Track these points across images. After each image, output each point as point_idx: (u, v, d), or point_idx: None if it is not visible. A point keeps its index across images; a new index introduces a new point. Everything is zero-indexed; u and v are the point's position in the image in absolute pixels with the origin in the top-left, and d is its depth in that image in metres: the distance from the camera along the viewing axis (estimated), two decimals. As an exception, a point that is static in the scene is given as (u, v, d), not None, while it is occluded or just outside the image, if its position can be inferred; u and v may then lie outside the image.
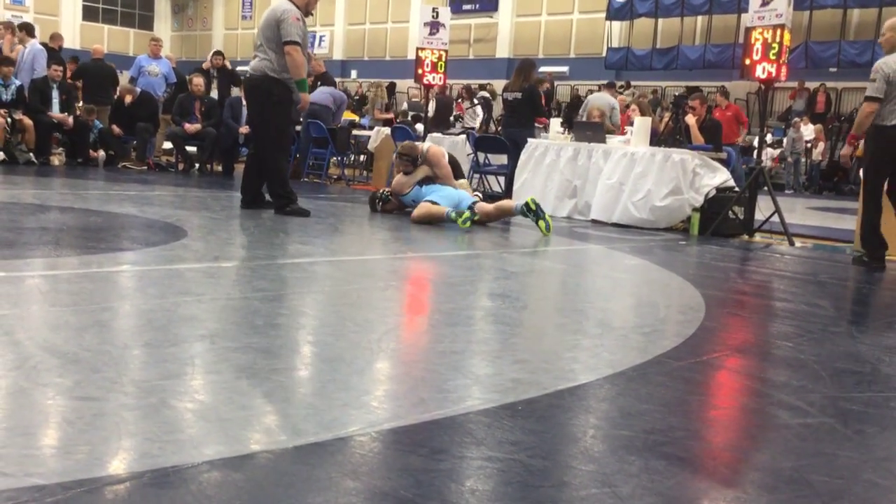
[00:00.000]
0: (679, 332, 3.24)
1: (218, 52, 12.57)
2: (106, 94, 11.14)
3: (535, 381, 2.38)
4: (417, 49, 9.97)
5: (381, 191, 7.18)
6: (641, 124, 7.77)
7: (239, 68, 12.97)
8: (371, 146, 11.14)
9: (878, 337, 3.54)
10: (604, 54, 21.76)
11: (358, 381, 2.30)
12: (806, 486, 1.76)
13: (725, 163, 7.57)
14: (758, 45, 6.84)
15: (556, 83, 20.33)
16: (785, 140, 17.27)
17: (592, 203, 7.68)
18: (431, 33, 9.82)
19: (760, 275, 5.32)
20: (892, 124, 5.60)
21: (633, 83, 19.90)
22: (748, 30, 7.03)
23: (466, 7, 24.70)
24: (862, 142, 6.08)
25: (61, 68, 10.44)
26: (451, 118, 12.67)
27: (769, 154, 16.30)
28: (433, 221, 6.24)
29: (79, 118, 10.27)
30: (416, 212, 6.33)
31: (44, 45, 10.98)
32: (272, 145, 6.43)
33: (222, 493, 1.52)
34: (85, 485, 1.50)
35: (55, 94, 10.07)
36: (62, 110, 10.08)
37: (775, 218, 6.94)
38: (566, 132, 8.69)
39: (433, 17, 9.87)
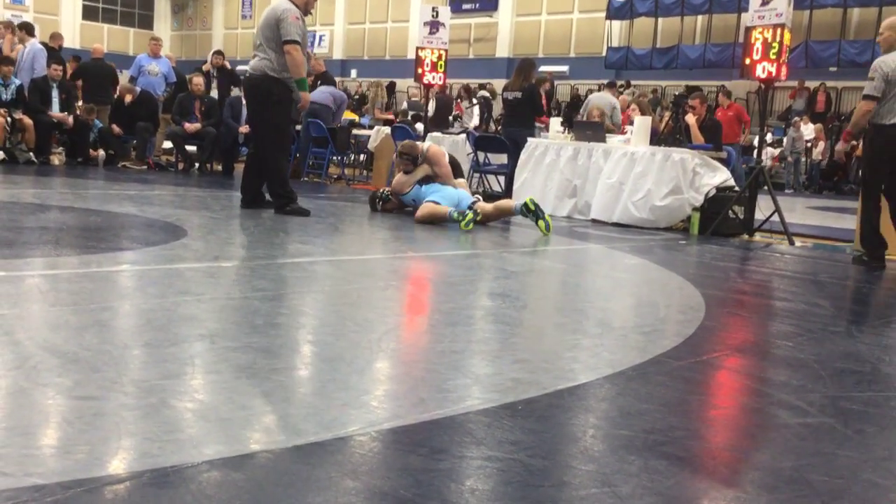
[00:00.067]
0: (679, 331, 3.24)
1: (218, 52, 12.57)
2: (106, 93, 11.14)
3: (535, 381, 2.38)
4: (417, 48, 9.97)
5: (381, 190, 7.18)
6: (641, 124, 7.77)
7: (239, 68, 12.97)
8: (371, 146, 11.14)
9: (877, 336, 3.54)
10: (604, 54, 21.76)
11: (358, 381, 2.30)
12: (806, 486, 1.76)
13: (725, 162, 7.57)
14: (758, 45, 6.84)
15: (555, 83, 20.31)
16: (785, 139, 17.28)
17: (592, 203, 7.68)
18: (431, 33, 9.81)
19: (760, 274, 5.32)
20: (891, 123, 5.60)
21: (633, 83, 19.89)
22: (748, 29, 7.03)
23: (466, 6, 24.69)
24: (861, 141, 6.08)
25: (61, 68, 10.44)
26: (451, 118, 12.68)
27: (769, 153, 16.30)
28: (436, 221, 6.25)
29: (79, 118, 10.27)
30: (419, 212, 6.33)
31: (44, 44, 10.98)
32: (272, 145, 6.43)
33: (222, 492, 1.52)
34: (85, 485, 1.50)
35: (55, 93, 10.07)
36: (62, 110, 10.09)
37: (775, 217, 6.94)
38: (566, 132, 8.69)
39: (433, 16, 9.86)
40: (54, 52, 11.01)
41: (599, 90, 15.63)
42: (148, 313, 2.91)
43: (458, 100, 15.22)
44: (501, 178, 9.62)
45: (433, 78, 9.91)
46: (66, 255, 4.08)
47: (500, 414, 2.08)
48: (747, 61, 6.96)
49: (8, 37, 10.56)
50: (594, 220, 7.56)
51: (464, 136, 9.94)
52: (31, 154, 9.69)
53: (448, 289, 3.94)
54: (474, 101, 14.45)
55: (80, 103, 10.74)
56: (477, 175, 9.74)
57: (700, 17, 20.72)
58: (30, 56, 10.32)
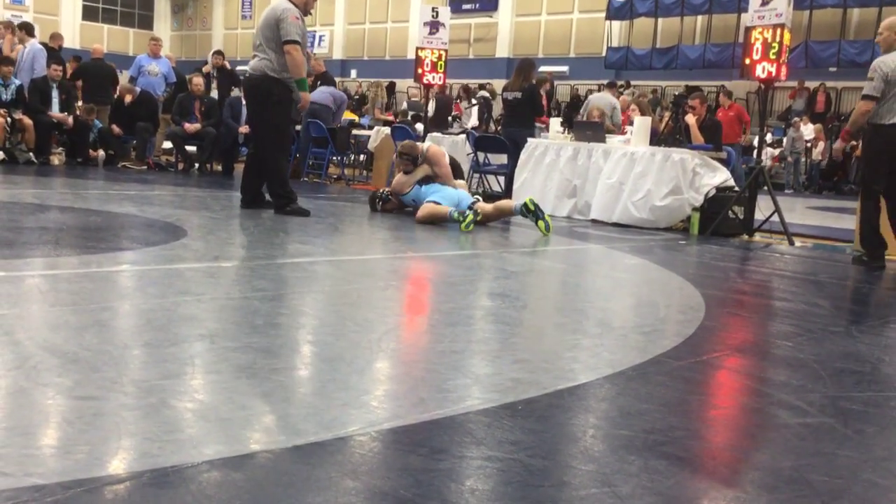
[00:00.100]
0: (679, 331, 3.24)
1: (218, 52, 12.58)
2: (106, 93, 11.14)
3: (535, 381, 2.38)
4: (417, 49, 9.97)
5: (381, 190, 7.18)
6: (641, 124, 7.77)
7: (239, 68, 12.97)
8: (371, 146, 11.14)
9: (877, 336, 3.54)
10: (604, 54, 21.75)
11: (358, 381, 2.30)
12: (806, 486, 1.76)
13: (725, 162, 7.57)
14: (758, 45, 6.84)
15: (555, 83, 20.32)
16: (785, 140, 17.28)
17: (592, 203, 7.68)
18: (431, 33, 9.82)
19: (760, 274, 5.32)
20: (890, 123, 5.60)
21: (632, 83, 19.89)
22: (748, 29, 7.03)
23: (466, 7, 24.68)
24: (861, 141, 6.09)
25: (61, 68, 10.44)
26: (449, 118, 12.68)
27: (769, 153, 16.30)
28: (436, 221, 6.25)
29: (79, 118, 10.27)
30: (420, 212, 6.34)
31: (43, 44, 10.98)
32: (272, 145, 6.43)
33: (222, 492, 1.52)
34: (85, 485, 1.50)
35: (55, 93, 10.07)
36: (62, 110, 10.09)
37: (775, 217, 6.94)
38: (566, 132, 8.69)
39: (433, 16, 9.87)
40: (54, 53, 11.01)
41: (599, 90, 15.63)
42: (148, 313, 2.91)
43: (458, 100, 15.22)
44: (501, 179, 9.62)
45: (433, 78, 9.92)
46: (66, 255, 4.08)
47: (500, 414, 2.08)
48: (747, 61, 6.97)
49: (8, 37, 10.56)
50: (594, 221, 7.56)
51: (464, 136, 9.94)
52: (31, 154, 9.69)
53: (448, 289, 3.94)
54: (473, 101, 14.44)
55: (79, 103, 10.74)
56: (477, 175, 9.75)
57: (700, 18, 20.71)
58: (30, 56, 10.32)
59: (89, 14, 31.03)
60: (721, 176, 7.21)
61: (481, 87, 17.42)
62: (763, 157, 9.91)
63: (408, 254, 5.16)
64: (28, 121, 9.70)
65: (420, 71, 9.84)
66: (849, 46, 17.96)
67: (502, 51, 24.27)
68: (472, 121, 11.94)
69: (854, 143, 14.69)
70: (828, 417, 2.26)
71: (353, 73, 27.22)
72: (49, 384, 2.05)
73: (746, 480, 1.79)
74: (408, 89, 17.84)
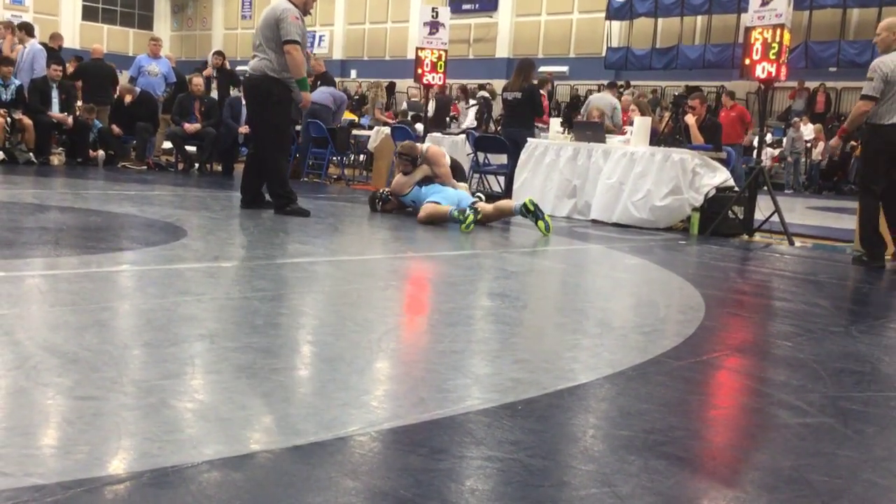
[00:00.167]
0: (679, 331, 3.24)
1: (218, 52, 12.58)
2: (106, 93, 11.14)
3: (535, 381, 2.39)
4: (417, 49, 9.97)
5: (380, 190, 7.18)
6: (641, 124, 7.77)
7: (238, 68, 12.97)
8: (371, 146, 11.14)
9: (877, 336, 3.54)
10: (603, 54, 21.75)
11: (358, 381, 2.30)
12: (806, 486, 1.76)
13: (725, 163, 7.57)
14: (757, 45, 6.84)
15: (555, 83, 20.32)
16: (784, 140, 17.27)
17: (592, 203, 7.68)
18: (431, 33, 9.82)
19: (760, 274, 5.32)
20: (890, 123, 5.60)
21: (632, 83, 19.88)
22: (748, 29, 7.03)
23: (466, 7, 24.68)
24: (860, 141, 6.09)
25: (61, 68, 10.43)
26: (447, 119, 12.68)
27: (769, 154, 16.30)
28: (437, 221, 6.25)
29: (79, 118, 10.27)
30: (421, 213, 6.34)
31: (43, 44, 10.98)
32: (272, 145, 6.43)
33: (222, 492, 1.52)
34: (85, 485, 1.50)
35: (55, 93, 10.07)
36: (62, 110, 10.08)
37: (775, 217, 6.95)
38: (566, 132, 8.69)
39: (433, 16, 9.87)
40: (54, 53, 11.01)
41: (599, 91, 15.63)
42: (148, 313, 2.91)
43: (456, 101, 15.20)
44: (501, 179, 9.63)
45: (433, 78, 9.92)
46: (66, 255, 4.08)
47: (500, 414, 2.08)
48: (747, 62, 6.97)
49: (9, 37, 10.56)
50: (594, 221, 7.56)
51: (463, 136, 9.94)
52: (31, 154, 9.69)
53: (448, 289, 3.94)
54: (472, 101, 14.42)
55: (79, 103, 10.74)
56: (477, 175, 9.74)
57: (700, 18, 20.71)
58: (29, 56, 10.32)
59: (89, 14, 31.03)
60: (721, 176, 7.21)
61: (481, 87, 17.41)
62: (763, 158, 9.91)
63: (408, 254, 5.16)
64: (28, 121, 9.70)
65: (420, 71, 9.84)
66: (848, 47, 17.96)
67: (502, 51, 24.27)
68: (469, 121, 11.91)
69: (854, 143, 14.69)
70: (828, 417, 2.26)
71: (353, 73, 27.22)
72: (49, 384, 2.05)
73: (746, 480, 1.79)
74: (408, 89, 17.84)
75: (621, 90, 15.69)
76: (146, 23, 32.75)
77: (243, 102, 9.75)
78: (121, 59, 17.78)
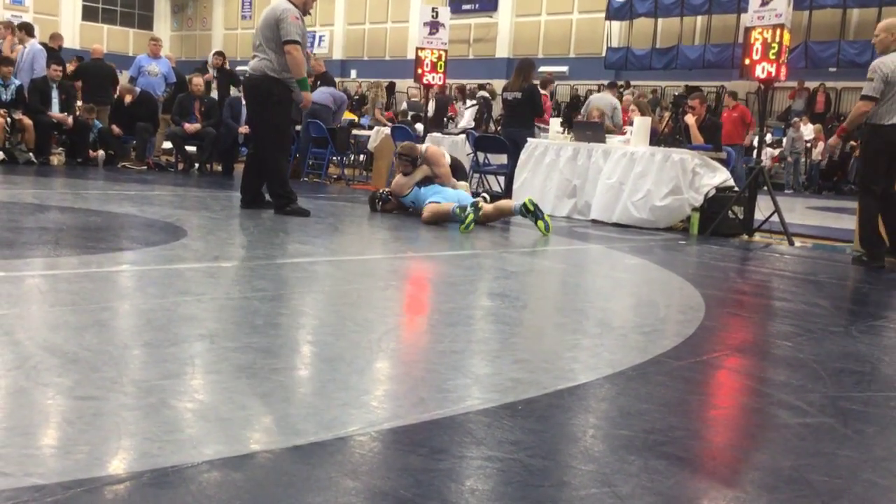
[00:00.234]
0: (679, 331, 3.24)
1: (219, 53, 12.57)
2: (106, 93, 11.14)
3: (535, 381, 2.39)
4: (417, 49, 9.97)
5: (380, 190, 7.18)
6: (641, 124, 7.77)
7: (238, 68, 12.97)
8: (371, 146, 11.14)
9: (877, 336, 3.54)
10: (603, 54, 21.75)
11: (358, 381, 2.30)
12: (806, 486, 1.76)
13: (724, 163, 7.57)
14: (757, 45, 6.84)
15: (556, 83, 20.31)
16: (784, 140, 17.27)
17: (592, 203, 7.68)
18: (431, 33, 9.82)
19: (760, 274, 5.32)
20: (890, 124, 5.61)
21: (632, 83, 19.89)
22: (748, 30, 7.03)
23: (466, 7, 24.68)
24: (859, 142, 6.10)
25: (61, 68, 10.43)
26: (445, 119, 12.67)
27: (769, 154, 16.30)
28: (441, 220, 6.25)
29: (79, 118, 10.27)
30: (425, 214, 6.34)
31: (43, 45, 10.98)
32: (272, 145, 6.43)
33: (222, 493, 1.52)
34: (85, 485, 1.50)
35: (55, 93, 10.07)
36: (62, 110, 10.08)
37: (775, 218, 6.95)
38: (566, 132, 8.69)
39: (433, 16, 9.87)
40: (54, 53, 11.02)
41: (599, 91, 15.63)
42: (148, 313, 2.91)
43: (453, 101, 15.19)
44: (501, 179, 9.63)
45: (433, 78, 9.92)
46: (66, 255, 4.08)
47: (500, 414, 2.08)
48: (747, 62, 6.97)
49: (8, 37, 10.55)
50: (594, 221, 7.56)
51: (463, 136, 9.94)
52: (31, 154, 9.69)
53: (448, 289, 3.94)
54: (471, 101, 14.42)
55: (79, 103, 10.74)
56: (477, 175, 9.74)
57: (700, 18, 20.71)
58: (29, 56, 10.32)
59: (89, 14, 31.03)
60: (721, 176, 7.21)
61: (481, 87, 17.41)
62: (763, 158, 9.91)
63: (408, 254, 5.16)
64: (28, 121, 9.70)
65: (420, 71, 9.84)
66: (848, 47, 17.96)
67: (502, 51, 24.27)
68: (465, 122, 11.90)
69: (854, 143, 14.69)
70: (828, 417, 2.26)
71: (353, 73, 27.22)
72: (49, 384, 2.05)
73: (746, 480, 1.79)
74: (408, 89, 17.83)
75: (621, 90, 15.69)
76: (146, 23, 32.75)
77: (243, 102, 9.75)
78: (121, 59, 17.78)
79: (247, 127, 9.46)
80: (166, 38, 30.59)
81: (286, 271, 4.05)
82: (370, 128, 12.12)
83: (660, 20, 21.08)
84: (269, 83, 6.23)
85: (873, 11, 17.45)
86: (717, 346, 3.15)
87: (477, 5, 24.81)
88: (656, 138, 7.84)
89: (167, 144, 11.34)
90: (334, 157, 11.21)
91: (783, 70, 6.87)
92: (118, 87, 11.23)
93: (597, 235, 6.59)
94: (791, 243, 6.80)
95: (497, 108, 14.22)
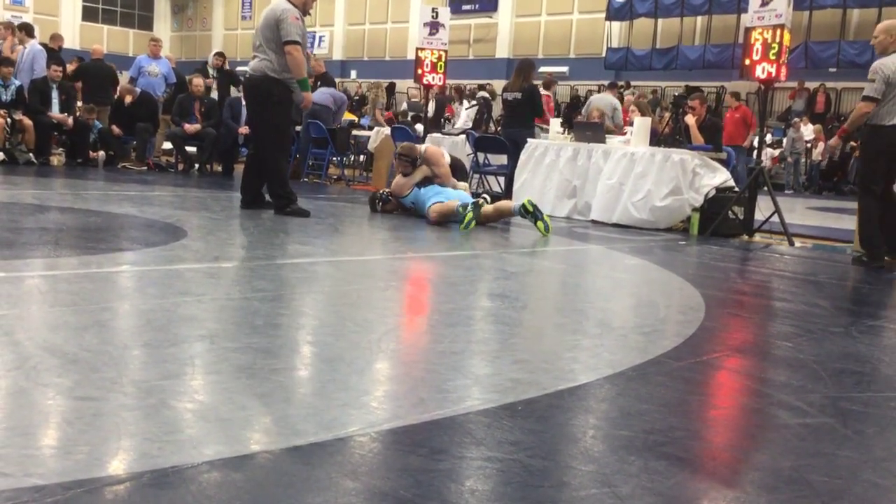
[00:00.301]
0: (679, 332, 3.24)
1: (219, 54, 12.58)
2: (106, 94, 11.15)
3: (535, 381, 2.38)
4: (417, 49, 9.97)
5: (380, 191, 7.18)
6: (641, 124, 7.77)
7: (238, 68, 12.97)
8: (371, 146, 11.15)
9: (877, 336, 3.54)
10: (603, 54, 21.76)
11: (358, 381, 2.30)
12: (806, 486, 1.76)
13: (725, 163, 7.57)
14: (757, 46, 6.84)
15: (557, 83, 20.30)
16: (785, 140, 17.27)
17: (592, 203, 7.68)
18: (431, 33, 9.82)
19: (760, 275, 5.32)
20: (891, 124, 5.61)
21: (632, 83, 19.89)
22: (748, 30, 7.03)
23: (466, 7, 24.69)
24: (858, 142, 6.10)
25: (61, 69, 10.44)
26: (442, 120, 12.66)
27: (769, 154, 16.30)
28: (448, 219, 6.24)
29: (79, 118, 10.27)
30: (433, 216, 6.33)
31: (43, 45, 10.98)
32: (272, 145, 6.43)
33: (222, 493, 1.52)
34: (85, 485, 1.50)
35: (55, 94, 10.07)
36: (62, 110, 10.09)
37: (775, 218, 6.95)
38: (566, 132, 8.69)
39: (433, 17, 9.87)
40: (54, 53, 11.02)
41: (599, 91, 15.62)
42: (148, 314, 2.91)
43: (450, 102, 15.17)
44: (501, 179, 9.63)
45: (433, 79, 9.92)
46: (66, 255, 4.08)
47: (500, 414, 2.08)
48: (747, 62, 6.97)
49: (8, 38, 10.56)
50: (594, 221, 7.56)
51: (463, 136, 9.95)
52: (31, 155, 9.69)
53: (448, 289, 3.94)
54: (472, 102, 14.41)
55: (79, 104, 10.75)
56: (477, 176, 9.75)
57: (700, 18, 20.71)
58: (29, 57, 10.33)
59: (89, 15, 31.04)
60: (721, 176, 7.21)
61: (481, 87, 17.41)
62: (763, 158, 9.91)
63: (408, 254, 5.16)
64: (28, 121, 9.71)
65: (420, 71, 9.84)
66: (848, 47, 17.96)
67: (502, 51, 24.28)
68: (462, 122, 11.90)
69: (854, 143, 14.68)
70: (828, 417, 2.26)
71: (353, 73, 27.22)
72: (49, 384, 2.05)
73: (746, 480, 1.79)
74: (408, 90, 17.83)
75: (622, 91, 15.68)
76: (146, 23, 32.76)
77: (243, 103, 9.76)
78: (121, 60, 17.78)
79: (247, 127, 9.47)
80: (166, 38, 30.61)
81: (286, 272, 4.05)
82: (370, 128, 12.12)
83: (660, 20, 21.09)
84: (270, 83, 6.23)
85: (873, 12, 17.46)
86: (717, 347, 3.15)
87: (477, 5, 24.82)
88: (656, 139, 7.84)
89: (167, 145, 11.34)
90: (334, 158, 11.22)
91: (783, 70, 6.87)
92: (118, 88, 11.23)
93: (597, 236, 6.59)
94: (791, 244, 6.80)
95: (497, 109, 14.22)
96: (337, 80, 16.38)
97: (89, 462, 1.61)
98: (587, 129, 8.27)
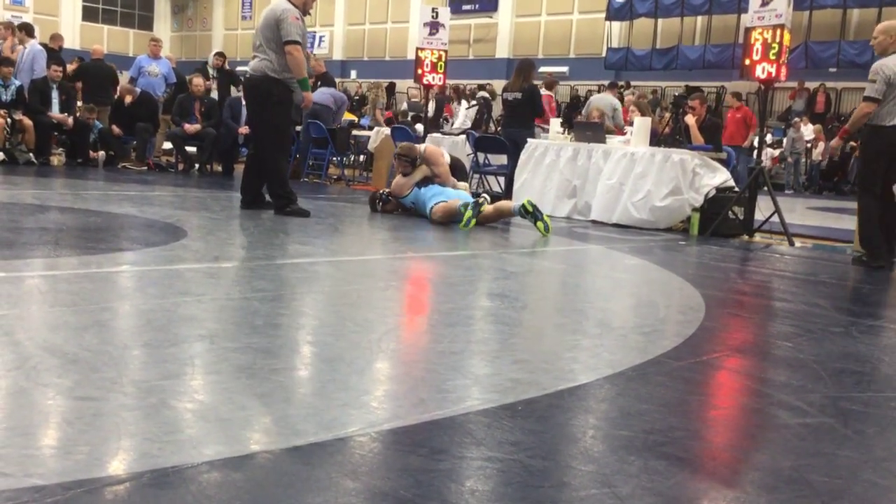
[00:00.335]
0: (679, 332, 3.24)
1: (219, 53, 12.58)
2: (106, 94, 11.15)
3: (535, 381, 2.38)
4: (417, 49, 9.97)
5: (380, 191, 7.18)
6: (641, 124, 7.77)
7: (238, 68, 12.97)
8: (371, 146, 11.15)
9: (877, 336, 3.54)
10: (603, 54, 21.76)
11: (358, 381, 2.30)
12: (806, 486, 1.76)
13: (725, 163, 7.57)
14: (758, 46, 6.84)
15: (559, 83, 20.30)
16: (785, 140, 17.27)
17: (592, 203, 7.68)
18: (431, 33, 9.82)
19: (760, 275, 5.32)
20: (891, 125, 5.61)
21: (632, 83, 19.89)
22: (748, 30, 7.03)
23: (466, 7, 24.69)
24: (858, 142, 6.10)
25: (61, 68, 10.44)
26: (440, 120, 12.66)
27: (769, 154, 16.30)
28: (451, 218, 6.24)
29: (79, 118, 10.27)
30: (437, 215, 6.33)
31: (44, 45, 10.98)
32: (272, 145, 6.43)
33: (222, 493, 1.52)
34: (85, 485, 1.50)
35: (55, 94, 10.07)
36: (62, 110, 10.09)
37: (775, 218, 6.94)
38: (566, 132, 8.69)
39: (433, 17, 9.87)
40: (54, 53, 11.02)
41: (599, 91, 15.62)
42: (148, 314, 2.91)
43: (448, 101, 15.16)
44: (501, 179, 9.63)
45: (433, 79, 9.92)
46: (66, 255, 4.08)
47: (500, 414, 2.08)
48: (747, 62, 6.97)
49: (9, 38, 10.56)
50: (594, 221, 7.56)
51: (464, 136, 9.95)
52: (31, 155, 9.69)
53: (448, 289, 3.94)
54: (472, 102, 14.41)
55: (80, 104, 10.74)
56: (477, 176, 9.75)
57: (700, 18, 20.71)
58: (29, 57, 10.32)
59: (89, 15, 31.03)
60: (721, 176, 7.21)
61: (481, 87, 17.41)
62: (763, 158, 9.90)
63: (407, 254, 5.17)
64: (28, 121, 9.71)
65: (420, 71, 9.84)
66: (848, 47, 17.96)
67: (502, 51, 24.28)
68: (459, 121, 11.89)
69: (854, 143, 14.68)
70: (828, 417, 2.26)
71: (353, 73, 27.22)
72: (49, 384, 2.05)
73: (746, 480, 1.79)
74: (408, 90, 17.83)
75: (622, 91, 15.67)
76: (146, 23, 32.76)
77: (243, 103, 9.75)
78: (121, 60, 17.78)
79: (247, 127, 9.47)
80: (166, 38, 30.60)
81: (286, 272, 4.05)
82: (370, 128, 12.12)
83: (660, 20, 21.09)
84: (270, 83, 6.23)
85: (873, 12, 17.46)
86: (717, 347, 3.15)
87: (477, 5, 24.82)
88: (656, 139, 7.85)
89: (167, 145, 11.34)
90: (334, 158, 11.22)
91: (783, 70, 6.87)
92: (118, 88, 11.23)
93: (597, 236, 6.59)
94: (791, 244, 6.80)
95: (497, 109, 14.21)
96: (337, 80, 16.37)
97: (89, 462, 1.61)
98: (587, 129, 8.27)
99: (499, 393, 2.26)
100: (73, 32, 28.60)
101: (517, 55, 22.05)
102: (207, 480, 1.57)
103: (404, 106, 15.94)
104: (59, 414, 1.89)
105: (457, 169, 7.22)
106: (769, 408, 2.35)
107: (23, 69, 10.22)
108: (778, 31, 6.75)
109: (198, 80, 10.65)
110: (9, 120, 9.57)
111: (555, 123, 8.93)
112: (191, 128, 10.33)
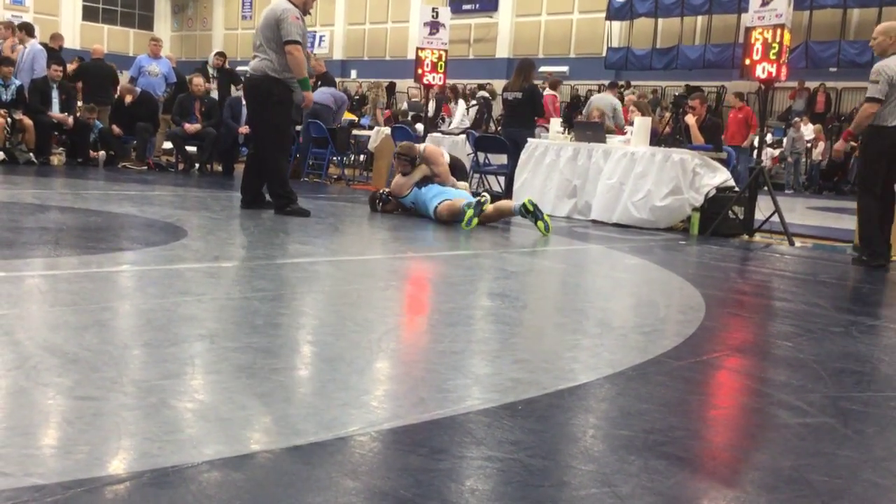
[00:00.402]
0: (679, 331, 3.24)
1: (220, 53, 12.58)
2: (106, 94, 11.15)
3: (535, 381, 2.38)
4: (417, 49, 9.97)
5: (381, 191, 7.18)
6: (641, 124, 7.77)
7: (239, 68, 12.96)
8: (371, 146, 11.15)
9: (877, 336, 3.54)
10: (604, 54, 21.76)
11: (358, 381, 2.30)
12: (806, 486, 1.76)
13: (725, 163, 7.57)
14: (758, 45, 6.84)
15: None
16: (785, 140, 17.27)
17: (592, 203, 7.68)
18: (431, 33, 9.82)
19: (760, 275, 5.32)
20: (893, 125, 5.60)
21: (632, 83, 19.89)
22: (748, 30, 7.03)
23: (466, 7, 24.69)
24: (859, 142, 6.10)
25: (61, 68, 10.44)
26: (439, 119, 12.66)
27: (769, 154, 16.30)
28: (455, 217, 6.24)
29: (79, 118, 10.27)
30: (443, 214, 6.33)
31: (44, 45, 10.98)
32: (272, 145, 6.43)
33: (222, 493, 1.52)
34: (85, 485, 1.50)
35: (55, 94, 10.07)
36: (62, 110, 10.09)
37: (775, 218, 6.94)
38: (566, 132, 8.69)
39: (433, 16, 9.87)
40: (54, 53, 11.02)
41: (600, 91, 15.62)
42: (148, 313, 2.91)
43: (446, 101, 15.16)
44: (501, 179, 9.63)
45: (433, 78, 9.92)
46: (66, 255, 4.08)
47: (500, 414, 2.08)
48: (747, 62, 6.96)
49: (9, 38, 10.56)
50: (594, 221, 7.56)
51: (464, 136, 9.95)
52: (31, 154, 9.69)
53: (448, 289, 3.94)
54: (473, 101, 14.41)
55: (80, 104, 10.74)
56: (477, 175, 9.75)
57: (700, 18, 20.71)
58: (30, 57, 10.32)
59: (89, 14, 31.03)
60: (721, 176, 7.21)
61: (481, 87, 17.41)
62: (763, 158, 9.91)
63: (408, 254, 5.16)
64: (28, 121, 9.70)
65: (420, 71, 9.84)
66: (849, 47, 17.95)
67: (502, 51, 24.27)
68: (457, 121, 11.88)
69: (854, 143, 14.69)
70: (828, 417, 2.26)
71: (354, 73, 27.22)
72: (49, 384, 2.06)
73: (746, 480, 1.79)
74: (408, 90, 17.83)
75: (622, 90, 15.67)
76: (146, 23, 32.75)
77: (243, 103, 9.75)
78: (121, 60, 17.78)
79: (247, 127, 9.46)
80: (167, 38, 30.60)
81: (286, 271, 4.05)
82: (370, 128, 12.12)
83: (660, 20, 21.09)
84: (270, 83, 6.23)
85: (874, 11, 17.45)
86: (717, 347, 3.15)
87: (477, 5, 24.81)
88: (657, 138, 7.84)
89: (167, 145, 11.34)
90: (334, 158, 11.22)
91: (783, 70, 6.86)
92: (118, 88, 11.23)
93: (597, 235, 6.59)
94: (791, 243, 6.80)
95: (497, 108, 14.21)
96: (337, 79, 16.38)
97: (89, 462, 1.61)
98: (587, 128, 8.27)
99: (499, 392, 2.26)
100: (74, 32, 28.60)
101: (517, 55, 22.04)
102: (207, 480, 1.57)
103: (404, 105, 15.93)
104: (59, 413, 1.89)
105: (457, 168, 7.22)
106: (769, 407, 2.35)
107: (23, 69, 10.21)
108: (778, 31, 6.75)
109: (198, 80, 10.64)
110: (9, 119, 9.57)
111: (555, 123, 8.93)
112: (191, 127, 10.33)
